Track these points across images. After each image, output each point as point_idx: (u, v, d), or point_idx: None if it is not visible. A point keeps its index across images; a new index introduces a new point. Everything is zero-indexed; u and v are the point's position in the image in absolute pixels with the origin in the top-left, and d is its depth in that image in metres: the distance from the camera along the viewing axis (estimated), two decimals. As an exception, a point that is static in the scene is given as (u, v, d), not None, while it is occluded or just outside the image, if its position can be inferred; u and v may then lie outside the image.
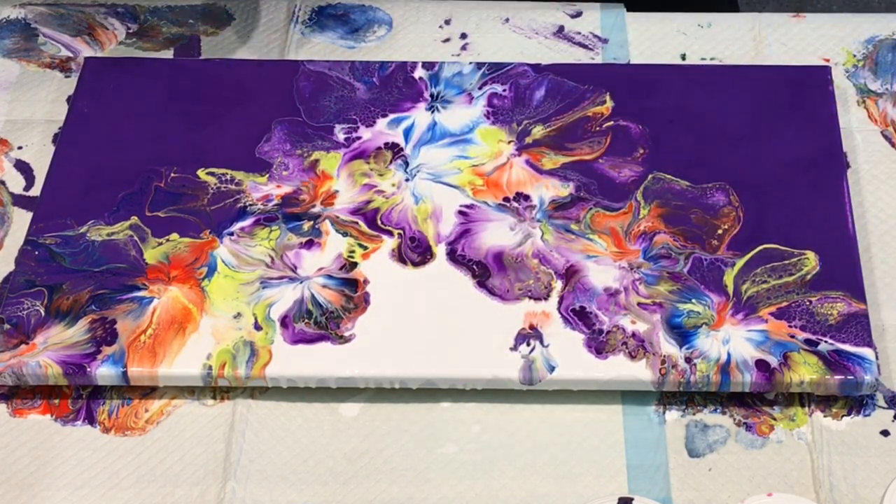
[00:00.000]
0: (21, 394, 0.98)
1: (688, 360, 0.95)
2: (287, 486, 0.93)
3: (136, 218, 1.04)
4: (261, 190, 1.06)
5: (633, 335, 0.96)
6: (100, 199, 1.05)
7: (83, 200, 1.05)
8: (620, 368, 0.95)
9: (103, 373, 0.95)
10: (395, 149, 1.08)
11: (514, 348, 0.96)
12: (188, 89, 1.12)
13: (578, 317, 0.97)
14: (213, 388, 0.98)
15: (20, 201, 1.08)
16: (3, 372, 0.95)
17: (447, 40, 1.18)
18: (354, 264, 1.01)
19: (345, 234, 1.03)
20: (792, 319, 0.97)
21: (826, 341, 0.95)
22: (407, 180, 1.06)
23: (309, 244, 1.02)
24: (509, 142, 1.08)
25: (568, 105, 1.10)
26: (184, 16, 1.20)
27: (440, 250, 1.02)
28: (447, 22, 1.19)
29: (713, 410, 0.96)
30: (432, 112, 1.10)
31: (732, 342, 0.95)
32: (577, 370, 0.95)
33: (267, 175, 1.07)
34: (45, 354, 0.96)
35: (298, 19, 1.20)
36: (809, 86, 1.11)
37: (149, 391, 0.98)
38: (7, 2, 1.22)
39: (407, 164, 1.07)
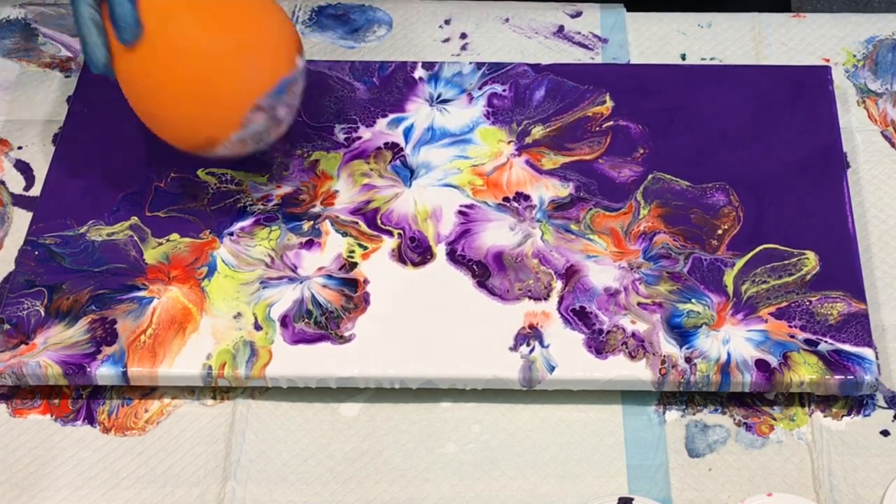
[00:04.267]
0: (21, 394, 0.98)
1: (688, 360, 0.95)
2: (287, 486, 0.93)
3: (136, 218, 1.04)
4: (261, 190, 1.06)
5: (633, 335, 0.96)
6: (100, 199, 1.05)
7: (83, 200, 1.05)
8: (620, 368, 0.95)
9: (103, 373, 0.95)
10: (395, 149, 1.08)
11: (514, 348, 0.96)
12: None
13: (578, 317, 0.97)
14: (213, 388, 0.98)
15: (20, 201, 1.08)
16: (3, 372, 0.95)
17: (447, 40, 1.18)
18: (354, 264, 1.01)
19: (345, 234, 1.03)
20: (792, 319, 0.97)
21: (826, 341, 0.95)
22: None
23: (309, 244, 1.02)
24: (509, 142, 1.08)
25: (568, 105, 1.10)
26: (184, 16, 1.20)
27: (440, 250, 1.02)
28: (447, 22, 1.19)
29: (713, 410, 0.96)
30: (432, 112, 1.10)
31: (732, 342, 0.95)
32: (577, 370, 0.95)
33: (267, 175, 1.07)
34: (45, 354, 0.96)
35: (298, 19, 1.20)
36: (809, 86, 1.11)
37: (149, 391, 0.98)
38: (7, 2, 1.22)
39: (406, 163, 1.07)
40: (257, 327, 0.97)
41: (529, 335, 0.96)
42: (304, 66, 1.00)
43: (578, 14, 1.20)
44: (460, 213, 1.04)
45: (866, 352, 0.94)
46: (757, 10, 1.19)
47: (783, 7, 1.31)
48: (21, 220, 1.07)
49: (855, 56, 1.16)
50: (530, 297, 0.98)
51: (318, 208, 1.04)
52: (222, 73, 0.96)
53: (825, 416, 0.95)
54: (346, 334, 0.97)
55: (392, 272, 1.01)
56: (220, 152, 0.99)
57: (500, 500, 0.92)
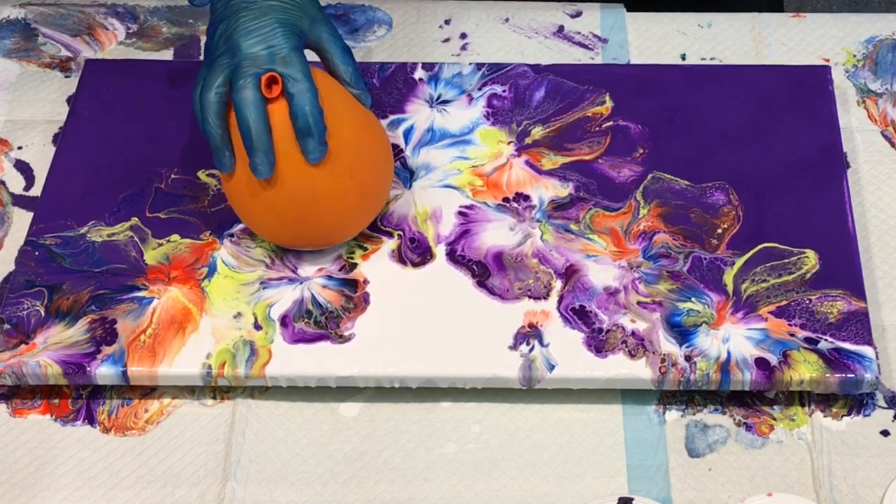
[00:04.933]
0: (21, 394, 0.98)
1: (688, 358, 0.95)
2: (287, 486, 0.93)
3: (136, 219, 1.04)
4: (261, 190, 1.05)
5: (633, 334, 0.96)
6: (100, 200, 1.05)
7: (83, 201, 1.05)
8: (620, 367, 0.95)
9: (103, 373, 0.95)
10: (394, 150, 1.08)
11: (514, 347, 0.96)
12: (188, 89, 1.12)
13: (578, 316, 0.97)
14: (213, 388, 0.98)
15: (20, 201, 1.08)
16: (3, 372, 0.95)
17: (447, 40, 1.18)
18: (354, 265, 1.01)
19: (344, 234, 1.03)
20: (792, 318, 0.96)
21: (826, 339, 0.95)
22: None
23: (309, 244, 1.02)
24: (509, 142, 1.08)
25: (568, 105, 1.10)
26: (184, 16, 1.20)
27: (440, 251, 1.02)
28: (447, 22, 1.20)
29: (713, 410, 0.96)
30: (432, 113, 1.10)
31: (732, 341, 0.95)
32: (576, 369, 0.95)
33: (267, 175, 1.06)
34: (45, 354, 0.96)
35: (298, 20, 1.20)
36: (809, 86, 1.11)
37: (149, 391, 0.98)
38: (7, 2, 1.22)
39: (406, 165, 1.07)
40: (257, 327, 0.97)
41: (529, 334, 0.96)
42: None
43: (578, 14, 1.20)
44: (460, 213, 1.04)
45: (866, 350, 0.94)
46: (757, 10, 1.20)
47: (782, 7, 1.31)
48: (21, 220, 1.07)
49: (855, 56, 1.16)
50: (530, 297, 0.98)
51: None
52: (384, 188, 1.01)
53: (825, 416, 0.95)
54: (346, 334, 0.97)
55: (392, 272, 1.00)
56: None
57: (500, 500, 0.92)
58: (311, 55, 0.99)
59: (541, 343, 0.96)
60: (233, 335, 0.97)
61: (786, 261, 0.99)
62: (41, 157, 1.11)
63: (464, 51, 1.17)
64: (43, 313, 0.98)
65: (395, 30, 1.19)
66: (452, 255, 1.01)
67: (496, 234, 1.02)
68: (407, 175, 1.06)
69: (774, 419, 0.95)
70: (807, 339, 0.95)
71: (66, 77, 1.16)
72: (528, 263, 1.00)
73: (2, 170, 1.10)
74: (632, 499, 0.88)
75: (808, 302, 0.97)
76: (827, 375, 0.93)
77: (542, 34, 1.19)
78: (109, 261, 1.02)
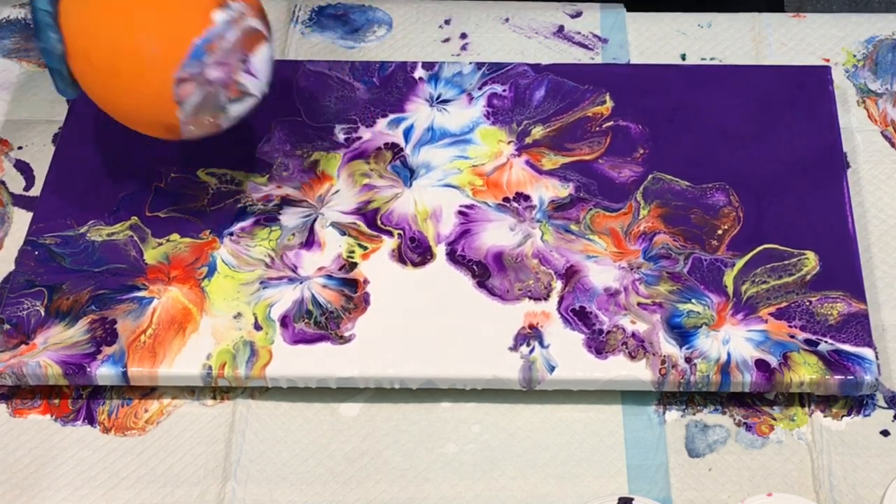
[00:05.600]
0: (21, 394, 0.98)
1: (688, 360, 0.95)
2: (287, 486, 0.93)
3: (136, 218, 1.04)
4: (261, 190, 1.06)
5: (633, 335, 0.96)
6: (100, 200, 1.05)
7: (83, 200, 1.05)
8: (620, 368, 0.95)
9: (103, 373, 0.95)
10: (394, 149, 1.08)
11: (514, 348, 0.96)
12: (188, 89, 1.12)
13: (578, 317, 0.97)
14: (213, 388, 0.98)
15: (20, 201, 1.08)
16: (3, 372, 0.95)
17: (447, 40, 1.18)
18: (354, 264, 1.01)
19: (344, 234, 1.03)
20: (792, 319, 0.97)
21: (826, 341, 0.95)
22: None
23: (309, 244, 1.02)
24: (509, 142, 1.08)
25: (568, 105, 1.10)
26: (184, 16, 1.20)
27: (440, 250, 1.02)
28: (447, 22, 1.19)
29: (713, 410, 0.96)
30: (432, 112, 1.10)
31: (732, 342, 0.95)
32: (577, 370, 0.95)
33: (267, 175, 1.07)
34: (45, 354, 0.96)
35: (298, 19, 1.20)
36: (809, 86, 1.11)
37: (149, 391, 0.98)
38: (7, 2, 1.22)
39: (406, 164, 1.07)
40: (257, 327, 0.97)
41: (529, 335, 0.96)
42: (232, 16, 0.93)
43: (578, 14, 1.20)
44: (460, 213, 1.04)
45: (866, 352, 0.94)
46: (757, 10, 1.19)
47: (781, 7, 1.31)
48: (21, 220, 1.07)
49: (855, 56, 1.16)
50: (530, 298, 0.98)
51: (318, 208, 1.04)
52: (127, 58, 0.93)
53: (825, 416, 0.95)
54: (346, 334, 0.97)
55: (392, 272, 1.01)
56: (192, 134, 0.96)
57: (500, 500, 0.92)
58: None
59: (541, 344, 0.96)
60: (233, 335, 0.97)
61: (786, 262, 1.00)
62: (41, 157, 1.10)
63: (464, 51, 1.17)
64: (43, 313, 0.98)
65: (395, 30, 1.19)
66: (452, 255, 1.01)
67: (496, 233, 1.02)
68: (407, 174, 1.06)
69: (774, 419, 0.95)
70: (807, 341, 0.95)
71: (66, 77, 1.16)
72: (528, 264, 1.00)
73: (2, 170, 1.10)
74: (632, 499, 0.88)
75: (808, 304, 0.97)
76: (827, 377, 0.93)
77: (542, 34, 1.19)
78: (109, 260, 1.02)
